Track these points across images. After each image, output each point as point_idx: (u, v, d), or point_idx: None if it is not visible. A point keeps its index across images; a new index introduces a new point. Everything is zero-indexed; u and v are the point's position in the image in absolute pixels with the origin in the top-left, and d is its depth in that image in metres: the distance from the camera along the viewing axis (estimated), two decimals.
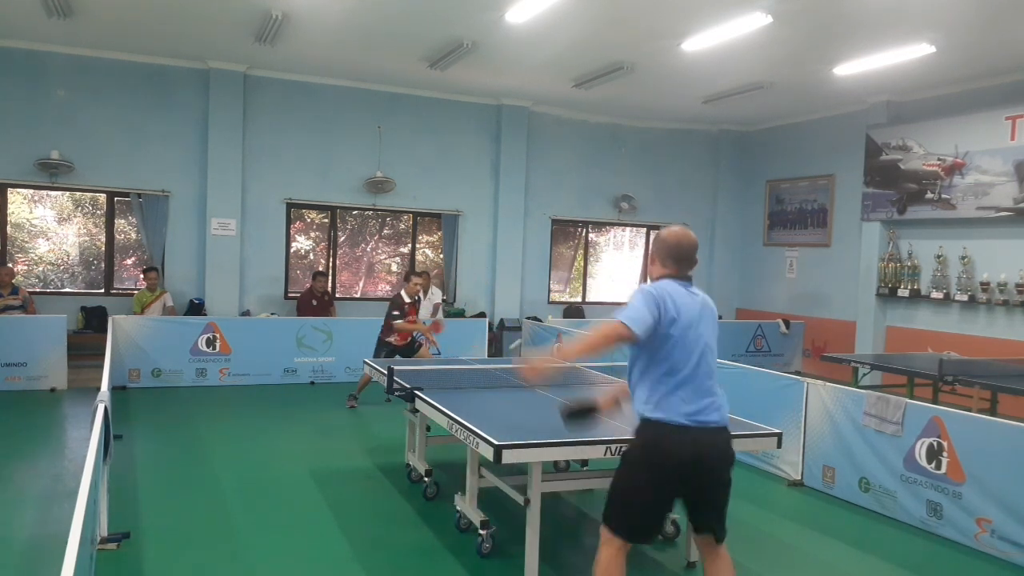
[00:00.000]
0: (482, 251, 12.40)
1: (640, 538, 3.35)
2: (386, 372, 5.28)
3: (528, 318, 11.98)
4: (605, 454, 3.79)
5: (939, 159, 9.78)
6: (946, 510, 4.99)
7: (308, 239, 12.26)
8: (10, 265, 9.86)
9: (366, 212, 12.14)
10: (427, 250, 12.83)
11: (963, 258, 9.63)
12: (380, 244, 12.73)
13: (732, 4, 7.36)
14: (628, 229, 13.94)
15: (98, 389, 4.83)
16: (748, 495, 5.65)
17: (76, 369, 8.90)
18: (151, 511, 4.88)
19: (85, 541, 2.69)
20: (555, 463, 5.32)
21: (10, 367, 8.43)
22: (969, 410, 5.82)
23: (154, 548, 4.31)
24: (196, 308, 10.62)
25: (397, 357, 7.76)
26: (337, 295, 11.70)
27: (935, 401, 7.27)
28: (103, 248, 10.86)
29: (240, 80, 10.77)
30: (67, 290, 10.83)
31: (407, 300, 7.93)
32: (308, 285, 11.03)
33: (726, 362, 6.65)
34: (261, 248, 11.19)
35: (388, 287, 12.58)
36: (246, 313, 10.90)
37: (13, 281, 9.42)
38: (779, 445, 4.25)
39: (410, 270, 8.56)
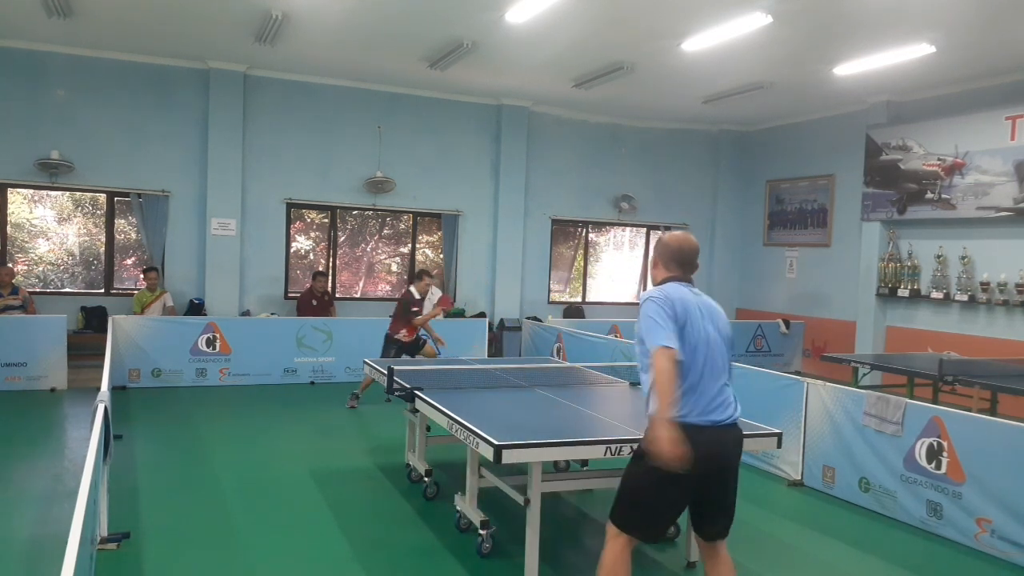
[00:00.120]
0: (482, 251, 12.40)
1: (646, 536, 3.36)
2: (386, 372, 5.28)
3: (528, 318, 11.99)
4: (605, 454, 3.79)
5: (939, 159, 9.78)
6: (946, 510, 5.00)
7: (308, 239, 12.26)
8: (10, 265, 9.86)
9: (366, 212, 12.14)
10: (427, 250, 12.82)
11: (963, 258, 9.63)
12: (380, 244, 12.72)
13: (732, 4, 7.36)
14: (628, 229, 13.94)
15: (98, 389, 4.83)
16: (748, 495, 5.63)
17: (76, 369, 8.90)
18: (151, 511, 4.88)
19: (85, 541, 2.69)
20: (555, 463, 5.32)
21: (10, 367, 8.43)
22: (969, 410, 5.82)
23: (154, 548, 4.31)
24: (196, 308, 10.62)
25: (404, 356, 7.81)
26: (337, 295, 11.70)
27: (935, 401, 7.27)
28: (103, 248, 10.86)
29: (240, 80, 10.77)
30: (67, 290, 10.82)
31: (418, 297, 8.12)
32: (308, 285, 11.03)
33: None
34: (261, 248, 11.19)
35: (388, 287, 12.58)
36: (246, 313, 10.90)
37: (13, 281, 9.42)
38: (779, 445, 4.25)
39: (424, 269, 8.72)
